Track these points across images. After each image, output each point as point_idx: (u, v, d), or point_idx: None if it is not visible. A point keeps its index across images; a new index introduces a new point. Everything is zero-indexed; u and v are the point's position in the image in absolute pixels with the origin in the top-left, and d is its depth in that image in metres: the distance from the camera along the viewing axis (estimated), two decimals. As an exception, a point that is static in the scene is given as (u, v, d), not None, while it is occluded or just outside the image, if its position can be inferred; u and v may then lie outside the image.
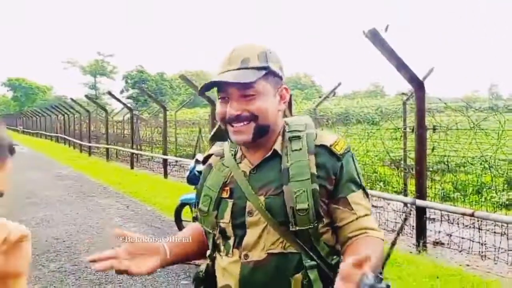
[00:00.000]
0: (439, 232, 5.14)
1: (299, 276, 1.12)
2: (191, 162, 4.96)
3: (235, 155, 1.25)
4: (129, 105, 17.99)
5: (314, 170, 1.15)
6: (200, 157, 4.44)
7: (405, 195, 6.81)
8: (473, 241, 4.77)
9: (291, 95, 1.27)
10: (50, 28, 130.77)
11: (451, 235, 4.99)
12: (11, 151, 0.83)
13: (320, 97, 11.06)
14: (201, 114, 16.95)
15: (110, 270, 1.05)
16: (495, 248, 4.53)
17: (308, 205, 1.11)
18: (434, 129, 5.92)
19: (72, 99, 20.84)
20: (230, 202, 1.19)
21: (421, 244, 4.86)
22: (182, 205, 5.27)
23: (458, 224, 5.42)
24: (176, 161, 11.48)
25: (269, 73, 1.16)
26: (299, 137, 1.20)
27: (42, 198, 8.37)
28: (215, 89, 1.20)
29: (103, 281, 4.14)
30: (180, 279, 4.19)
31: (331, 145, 1.19)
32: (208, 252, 1.27)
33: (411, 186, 6.36)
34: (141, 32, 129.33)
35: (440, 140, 6.66)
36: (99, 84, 65.99)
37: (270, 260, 1.13)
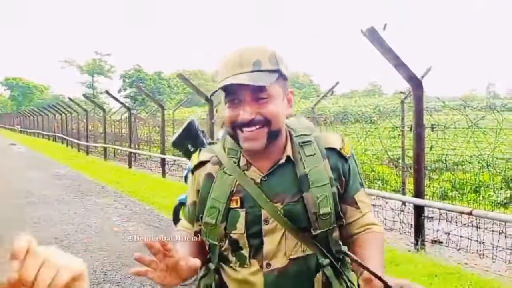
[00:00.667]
0: (437, 230, 5.15)
1: (319, 275, 1.15)
2: (189, 162, 4.95)
3: (237, 162, 1.20)
4: (126, 104, 17.90)
5: (330, 174, 1.17)
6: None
7: (403, 193, 6.83)
8: (471, 240, 4.78)
9: None
10: (47, 27, 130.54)
11: (449, 234, 5.00)
12: None
13: (318, 96, 11.08)
14: (199, 113, 16.93)
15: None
16: (493, 247, 4.54)
17: (330, 208, 1.14)
18: (432, 127, 5.92)
19: (69, 98, 20.76)
20: (242, 212, 1.15)
21: (419, 242, 4.87)
22: (181, 204, 5.26)
23: (456, 222, 5.43)
24: (174, 161, 11.46)
25: (279, 76, 1.13)
26: (309, 142, 1.20)
27: (40, 197, 8.34)
28: (215, 89, 1.18)
29: (101, 280, 4.12)
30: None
31: (340, 149, 1.21)
32: (213, 266, 1.21)
33: (409, 185, 6.38)
34: (138, 31, 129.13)
35: (438, 139, 6.67)
36: (96, 83, 65.96)
37: (292, 265, 1.14)
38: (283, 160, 1.17)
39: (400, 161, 7.73)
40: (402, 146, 7.50)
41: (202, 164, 1.26)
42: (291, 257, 1.14)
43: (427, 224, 5.24)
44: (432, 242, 5.11)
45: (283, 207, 1.14)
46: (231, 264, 1.18)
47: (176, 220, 5.32)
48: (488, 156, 6.06)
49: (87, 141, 17.93)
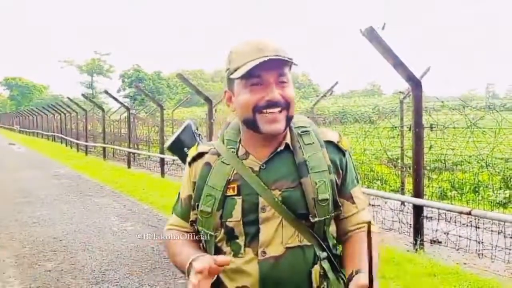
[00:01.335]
0: (436, 230, 5.15)
1: (317, 267, 1.14)
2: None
3: (236, 152, 1.21)
4: (126, 104, 17.91)
5: (329, 162, 1.18)
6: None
7: (403, 193, 6.83)
8: (470, 240, 4.78)
9: None
10: (46, 27, 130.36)
11: (448, 234, 5.00)
12: None
13: (317, 96, 11.08)
14: (198, 113, 16.94)
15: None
16: (492, 247, 4.54)
17: (329, 195, 1.15)
18: (431, 127, 5.92)
19: (68, 98, 20.74)
20: (238, 200, 1.15)
21: (418, 242, 4.87)
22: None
23: (455, 222, 5.44)
24: (173, 160, 11.43)
25: (291, 66, 1.16)
26: (308, 132, 1.22)
27: (38, 197, 8.34)
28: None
29: (100, 280, 4.11)
30: (177, 278, 4.18)
31: (338, 142, 1.22)
32: None
33: (409, 185, 6.38)
34: (138, 31, 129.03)
35: (437, 139, 6.68)
36: (95, 83, 65.95)
37: (289, 254, 1.13)
38: (281, 147, 1.18)
39: (399, 161, 7.73)
40: (401, 146, 7.50)
41: (200, 155, 1.25)
42: (288, 245, 1.13)
43: (426, 224, 5.24)
44: (431, 242, 5.11)
45: (281, 193, 1.14)
46: (226, 255, 1.16)
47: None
48: (487, 156, 6.07)
49: (86, 141, 17.91)
